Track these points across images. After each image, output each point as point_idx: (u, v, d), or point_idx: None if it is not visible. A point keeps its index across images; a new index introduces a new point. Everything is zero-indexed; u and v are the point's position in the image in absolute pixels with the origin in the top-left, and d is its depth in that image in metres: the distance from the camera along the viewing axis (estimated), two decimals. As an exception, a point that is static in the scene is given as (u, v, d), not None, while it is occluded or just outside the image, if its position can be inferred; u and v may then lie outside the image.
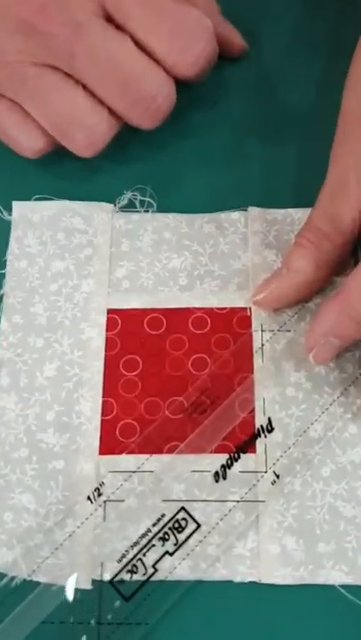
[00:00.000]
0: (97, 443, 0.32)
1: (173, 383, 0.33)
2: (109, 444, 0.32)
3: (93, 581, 0.30)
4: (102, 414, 0.33)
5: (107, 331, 0.34)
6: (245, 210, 0.36)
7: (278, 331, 0.34)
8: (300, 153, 0.38)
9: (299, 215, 0.36)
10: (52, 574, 0.30)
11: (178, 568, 0.30)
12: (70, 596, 0.30)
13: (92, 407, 0.33)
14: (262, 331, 0.34)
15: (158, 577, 0.30)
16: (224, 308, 0.35)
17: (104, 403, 0.33)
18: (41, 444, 0.33)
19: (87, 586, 0.30)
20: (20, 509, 0.32)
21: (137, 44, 0.33)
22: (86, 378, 0.34)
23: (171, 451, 0.32)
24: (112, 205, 0.37)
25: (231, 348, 0.34)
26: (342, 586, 0.30)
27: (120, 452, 0.32)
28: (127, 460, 0.32)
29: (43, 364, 0.34)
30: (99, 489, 0.32)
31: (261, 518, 0.31)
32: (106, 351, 0.34)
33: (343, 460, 0.32)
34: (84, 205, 0.37)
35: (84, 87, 0.34)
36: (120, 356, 0.34)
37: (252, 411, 0.32)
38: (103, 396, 0.33)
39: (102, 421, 0.33)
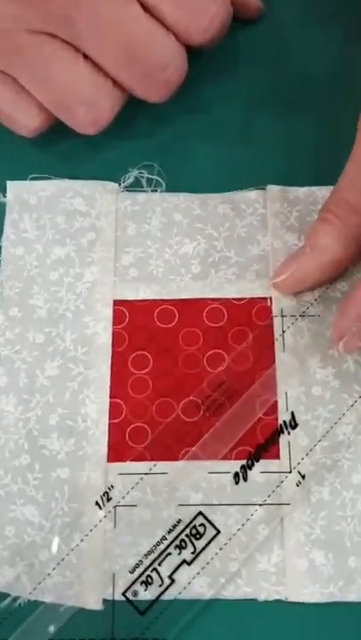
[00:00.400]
0: (105, 449, 0.30)
1: (187, 382, 0.30)
2: (118, 449, 0.30)
3: (104, 600, 0.28)
4: (110, 417, 0.30)
5: (113, 324, 0.31)
6: (264, 188, 0.33)
7: (301, 316, 0.31)
8: (322, 125, 0.35)
9: (323, 193, 0.33)
10: (59, 593, 0.28)
11: (196, 586, 0.28)
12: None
13: (99, 409, 0.30)
14: (282, 316, 0.31)
15: (175, 589, 0.28)
16: (242, 299, 0.32)
17: (112, 404, 0.30)
18: (44, 451, 0.30)
19: (97, 606, 0.28)
20: (22, 523, 0.29)
21: (144, 7, 0.30)
22: (92, 377, 0.31)
23: (185, 457, 0.29)
24: (117, 185, 0.34)
25: (250, 341, 0.31)
26: (376, 603, 0.27)
27: (130, 459, 0.29)
28: (137, 468, 0.29)
29: (44, 361, 0.31)
30: (107, 493, 0.29)
31: (287, 531, 0.28)
32: (113, 347, 0.31)
33: (376, 466, 0.29)
34: (85, 185, 0.34)
35: (86, 57, 0.30)
36: (128, 353, 0.31)
37: (275, 411, 0.30)
38: (111, 397, 0.30)
39: (110, 425, 0.30)
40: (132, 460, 0.29)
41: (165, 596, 0.28)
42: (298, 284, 0.30)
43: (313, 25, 0.37)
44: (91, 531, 0.28)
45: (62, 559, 0.28)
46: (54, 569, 0.28)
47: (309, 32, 0.37)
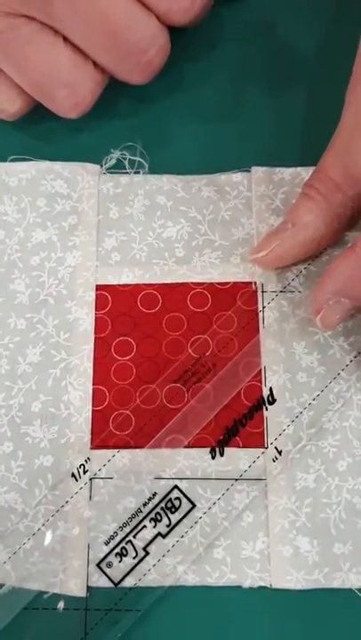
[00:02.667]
0: (88, 436, 0.29)
1: (172, 368, 0.30)
2: (102, 437, 0.29)
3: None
4: (93, 404, 0.30)
5: (96, 310, 0.31)
6: (248, 170, 0.32)
7: (281, 292, 0.31)
8: (308, 103, 0.34)
9: (309, 174, 0.32)
10: (44, 581, 0.28)
11: (182, 572, 0.28)
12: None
13: (82, 396, 0.30)
14: (263, 291, 0.31)
15: (150, 561, 0.28)
16: (227, 283, 0.31)
17: (95, 391, 0.30)
18: (27, 439, 0.29)
19: (82, 594, 0.28)
20: (5, 510, 0.29)
21: None
22: (75, 363, 0.30)
23: (171, 445, 0.29)
24: (98, 166, 0.33)
25: (235, 327, 0.30)
26: (360, 589, 0.27)
27: (114, 447, 0.29)
28: (122, 456, 0.29)
29: (25, 348, 0.31)
30: (84, 465, 0.29)
31: (272, 518, 0.28)
32: (95, 333, 0.31)
33: (361, 452, 0.29)
34: (66, 166, 0.33)
35: (65, 39, 0.29)
36: (112, 339, 0.31)
37: (259, 399, 0.29)
38: (94, 384, 0.30)
39: (93, 412, 0.30)
40: (115, 448, 0.29)
41: (139, 569, 0.28)
42: (278, 260, 0.30)
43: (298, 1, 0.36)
44: (67, 502, 0.28)
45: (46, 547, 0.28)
46: (38, 557, 0.28)
47: (294, 7, 0.36)
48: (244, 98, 0.34)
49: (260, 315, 0.30)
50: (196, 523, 0.28)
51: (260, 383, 0.30)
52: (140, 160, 0.33)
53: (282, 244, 0.29)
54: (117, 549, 0.28)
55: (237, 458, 0.29)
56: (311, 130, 0.33)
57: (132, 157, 0.33)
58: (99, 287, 0.31)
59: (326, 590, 0.28)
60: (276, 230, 0.29)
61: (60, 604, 0.28)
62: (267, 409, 0.29)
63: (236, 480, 0.29)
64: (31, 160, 0.33)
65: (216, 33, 0.35)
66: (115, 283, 0.31)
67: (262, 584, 0.28)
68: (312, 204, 0.28)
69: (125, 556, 0.28)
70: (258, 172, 0.32)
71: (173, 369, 0.30)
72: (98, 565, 0.28)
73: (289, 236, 0.29)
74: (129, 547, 0.28)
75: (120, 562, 0.28)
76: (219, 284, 0.31)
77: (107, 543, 0.28)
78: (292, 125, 0.34)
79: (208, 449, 0.29)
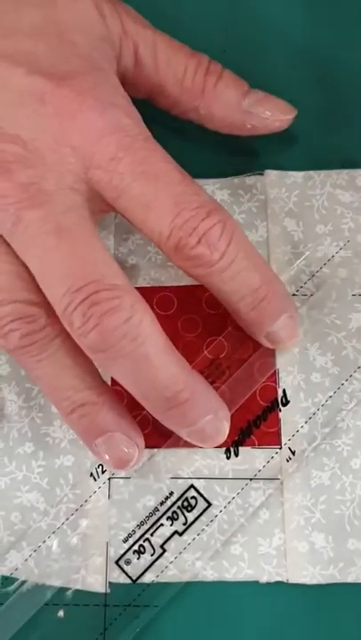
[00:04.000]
0: (108, 436, 0.30)
1: (188, 369, 0.31)
2: (121, 437, 0.30)
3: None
4: (112, 405, 0.30)
5: (114, 312, 0.32)
6: (262, 174, 0.33)
7: (294, 294, 0.31)
8: (317, 108, 0.34)
9: (321, 177, 0.33)
10: (65, 577, 0.29)
11: (200, 568, 0.28)
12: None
13: (101, 397, 0.31)
14: None
15: (167, 558, 0.29)
16: (241, 285, 0.32)
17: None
18: (47, 439, 0.30)
19: (102, 589, 0.29)
20: (28, 509, 0.30)
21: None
22: (93, 365, 0.31)
23: (187, 445, 0.29)
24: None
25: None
26: (374, 584, 0.28)
27: (133, 446, 0.30)
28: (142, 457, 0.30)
29: (45, 350, 0.31)
30: (102, 465, 0.30)
31: (288, 514, 0.29)
32: (113, 335, 0.31)
33: (374, 450, 0.29)
34: None
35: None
36: (129, 340, 0.31)
37: (273, 400, 0.30)
38: (112, 384, 0.31)
39: (113, 413, 0.30)
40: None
41: (157, 565, 0.29)
42: None
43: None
44: (85, 501, 0.29)
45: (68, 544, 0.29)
46: (60, 554, 0.29)
47: (297, 7, 0.36)
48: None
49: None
50: (212, 520, 0.29)
51: (275, 384, 0.30)
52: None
53: None
54: (135, 547, 0.29)
55: (253, 457, 0.30)
56: (321, 134, 0.34)
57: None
58: (116, 290, 0.32)
59: (341, 585, 0.28)
60: None
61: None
62: (280, 410, 0.30)
63: (251, 479, 0.29)
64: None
65: (224, 39, 0.35)
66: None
67: (279, 579, 0.28)
68: None
69: (143, 553, 0.29)
70: (271, 175, 0.33)
71: (190, 370, 0.31)
72: (117, 563, 0.29)
73: None
74: (147, 544, 0.29)
75: (138, 559, 0.29)
76: (233, 286, 0.32)
77: (125, 541, 0.29)
78: (302, 129, 0.34)
79: (223, 449, 0.30)
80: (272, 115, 0.32)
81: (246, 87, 0.31)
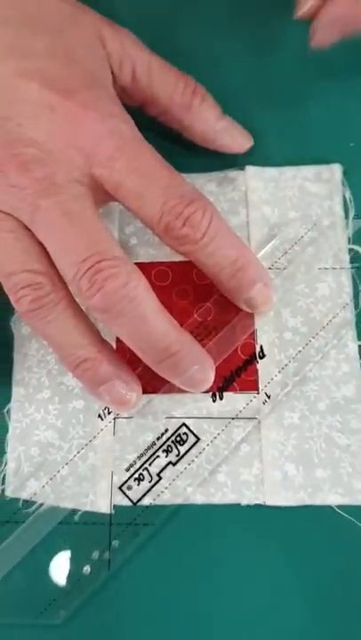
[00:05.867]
0: (113, 384, 0.36)
1: (181, 329, 0.36)
2: (124, 385, 0.35)
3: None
4: (117, 359, 0.36)
5: (118, 283, 0.37)
6: (243, 169, 0.39)
7: (270, 268, 0.37)
8: (291, 116, 0.41)
9: (292, 172, 0.39)
10: (76, 500, 0.34)
11: (190, 493, 0.34)
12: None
13: (108, 352, 0.36)
14: None
15: (163, 484, 0.34)
16: (226, 261, 0.37)
17: (118, 348, 0.36)
18: (62, 387, 0.36)
19: (108, 511, 0.34)
20: (45, 445, 0.35)
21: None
22: (101, 326, 0.36)
23: (180, 390, 0.35)
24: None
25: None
26: (338, 506, 0.33)
27: (134, 392, 0.35)
28: (141, 399, 0.35)
29: (60, 314, 0.37)
30: (108, 408, 0.35)
31: (265, 448, 0.34)
32: (118, 302, 0.37)
33: (337, 396, 0.35)
34: None
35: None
36: (131, 306, 0.37)
37: (252, 354, 0.36)
38: (117, 342, 0.36)
39: (117, 365, 0.36)
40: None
41: (154, 490, 0.34)
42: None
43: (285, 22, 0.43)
44: (94, 437, 0.35)
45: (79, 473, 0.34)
46: (72, 481, 0.34)
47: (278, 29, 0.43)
48: (243, 113, 0.40)
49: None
50: (201, 452, 0.34)
51: (254, 341, 0.36)
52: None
53: None
54: (136, 475, 0.34)
55: (235, 400, 0.35)
56: (293, 136, 0.40)
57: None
58: (120, 265, 0.38)
59: (310, 507, 0.34)
60: None
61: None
62: (258, 362, 0.35)
63: (233, 419, 0.35)
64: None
65: (211, 58, 0.42)
66: (133, 261, 0.37)
67: (257, 502, 0.34)
68: None
69: (142, 480, 0.34)
70: (251, 170, 0.39)
71: (182, 330, 0.36)
72: (120, 488, 0.34)
73: None
74: (145, 473, 0.34)
75: (138, 485, 0.34)
76: (219, 261, 0.37)
77: (127, 470, 0.34)
78: (277, 133, 0.40)
79: (210, 394, 0.35)
80: (235, 139, 0.38)
81: (220, 112, 0.38)
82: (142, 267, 0.37)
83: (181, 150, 0.40)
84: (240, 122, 0.40)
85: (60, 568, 0.33)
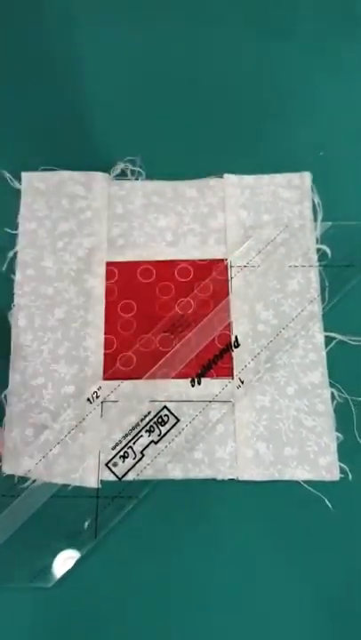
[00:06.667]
0: (101, 371, 0.39)
1: (163, 322, 0.40)
2: (111, 371, 0.39)
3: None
4: (105, 348, 0.39)
5: (106, 280, 0.41)
6: (221, 177, 0.43)
7: (245, 266, 0.40)
8: (262, 128, 0.44)
9: (267, 180, 0.42)
10: (67, 476, 0.37)
11: (170, 469, 0.37)
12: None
13: (96, 343, 0.40)
14: (231, 266, 0.41)
15: (145, 461, 0.37)
16: (205, 260, 0.41)
17: (106, 339, 0.40)
18: (55, 374, 0.39)
19: (96, 485, 0.37)
20: (39, 427, 0.38)
21: None
22: (90, 319, 0.40)
23: (162, 376, 0.38)
24: (108, 175, 0.43)
25: (211, 293, 0.40)
26: (305, 481, 0.37)
27: (120, 378, 0.39)
28: (126, 385, 0.38)
29: (53, 308, 0.40)
30: (96, 392, 0.39)
31: (238, 429, 0.38)
32: (106, 297, 0.40)
33: (305, 382, 0.38)
34: (84, 175, 0.43)
35: None
36: (118, 301, 0.40)
37: (228, 344, 0.39)
38: (105, 334, 0.40)
39: (105, 354, 0.39)
40: (121, 379, 0.39)
41: (138, 467, 0.37)
42: None
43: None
44: (83, 419, 0.38)
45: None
46: (63, 459, 0.37)
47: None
48: (225, 124, 0.44)
49: (230, 283, 0.40)
50: (180, 432, 0.38)
51: (229, 332, 0.39)
52: (139, 170, 0.43)
53: None
54: (121, 453, 0.37)
55: (212, 385, 0.38)
56: (267, 147, 0.44)
57: (133, 168, 0.43)
58: (108, 263, 0.41)
59: (279, 482, 0.37)
60: None
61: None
62: (233, 351, 0.39)
63: (210, 402, 0.38)
64: (56, 170, 0.43)
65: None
66: (120, 260, 0.41)
67: (231, 477, 0.37)
68: None
69: (127, 457, 0.37)
70: (229, 177, 0.43)
71: (164, 322, 0.40)
72: (107, 465, 0.37)
73: None
74: (130, 451, 0.37)
75: (123, 462, 0.37)
76: (199, 260, 0.41)
77: (113, 448, 0.37)
78: (253, 144, 0.44)
79: (189, 379, 0.39)
80: None
81: None
82: (129, 265, 0.41)
83: (164, 159, 0.43)
84: (221, 133, 0.43)
85: (51, 537, 0.36)
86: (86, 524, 0.36)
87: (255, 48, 0.46)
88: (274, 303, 0.40)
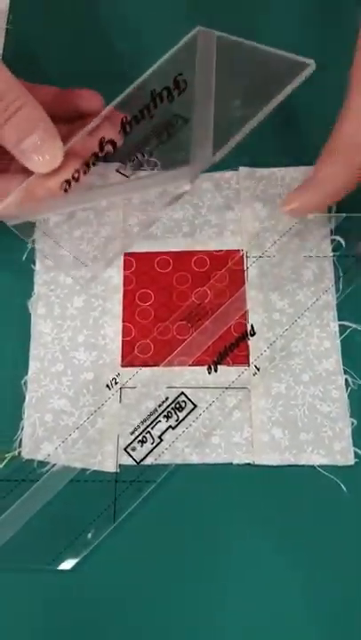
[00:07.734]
0: (119, 358, 0.40)
1: (180, 311, 0.41)
2: (129, 359, 0.40)
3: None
4: (123, 336, 0.40)
5: (124, 270, 0.42)
6: (237, 169, 0.44)
7: (260, 257, 0.41)
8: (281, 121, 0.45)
9: (282, 173, 0.43)
10: (86, 461, 0.38)
11: (188, 454, 0.38)
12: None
13: (115, 330, 0.40)
14: (247, 257, 0.42)
15: (163, 445, 0.38)
16: (220, 251, 0.42)
17: (124, 327, 0.40)
18: (74, 360, 0.40)
19: (114, 470, 0.38)
20: (58, 412, 0.39)
21: None
22: (108, 308, 0.41)
23: (179, 364, 0.39)
24: (124, 165, 0.44)
25: (226, 281, 0.41)
26: (320, 466, 0.38)
27: (138, 365, 0.39)
28: (144, 372, 0.39)
29: (72, 297, 0.41)
30: (115, 379, 0.39)
31: (254, 414, 0.38)
32: (124, 286, 0.41)
33: (319, 369, 0.39)
34: (101, 166, 0.44)
35: None
36: (136, 290, 0.41)
37: (244, 332, 0.40)
38: (123, 322, 0.41)
39: (123, 342, 0.40)
40: (139, 366, 0.39)
41: (155, 451, 0.38)
42: (304, 209, 0.37)
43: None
44: (102, 405, 0.39)
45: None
46: (82, 444, 0.38)
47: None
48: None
49: (246, 273, 0.41)
50: (198, 418, 0.38)
51: (245, 321, 0.40)
52: (156, 160, 0.44)
53: (307, 196, 0.36)
54: (140, 437, 0.38)
55: (228, 373, 0.39)
56: (282, 141, 0.45)
57: (150, 159, 0.44)
58: (126, 254, 0.42)
59: (295, 466, 0.38)
60: (303, 185, 0.36)
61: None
62: (249, 339, 0.40)
63: (227, 388, 0.39)
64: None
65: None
66: (138, 250, 0.42)
67: (247, 461, 0.38)
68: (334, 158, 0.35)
69: (145, 442, 0.38)
70: (244, 170, 0.44)
71: (181, 311, 0.40)
72: (125, 449, 0.38)
73: (315, 186, 0.36)
74: (148, 436, 0.38)
75: (141, 447, 0.38)
76: (215, 251, 0.42)
77: (132, 433, 0.38)
78: (269, 137, 0.45)
79: (206, 367, 0.39)
80: (35, 164, 0.37)
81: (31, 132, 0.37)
82: (146, 255, 0.42)
83: (181, 151, 0.44)
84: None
85: (70, 520, 0.37)
86: (104, 507, 0.37)
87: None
88: (289, 293, 0.41)
